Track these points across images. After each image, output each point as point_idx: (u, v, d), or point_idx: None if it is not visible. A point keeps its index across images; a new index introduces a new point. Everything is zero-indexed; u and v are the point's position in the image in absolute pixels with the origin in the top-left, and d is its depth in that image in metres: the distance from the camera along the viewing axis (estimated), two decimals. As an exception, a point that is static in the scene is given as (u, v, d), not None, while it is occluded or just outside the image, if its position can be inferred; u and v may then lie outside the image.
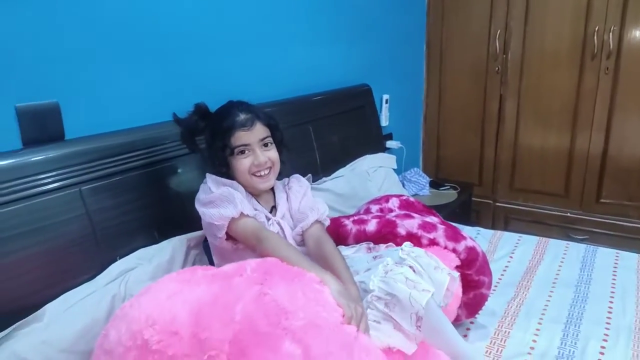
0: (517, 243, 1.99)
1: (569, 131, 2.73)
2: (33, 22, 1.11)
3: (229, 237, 1.19)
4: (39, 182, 1.10)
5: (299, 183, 1.38)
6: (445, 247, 1.30)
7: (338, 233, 1.41)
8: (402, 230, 1.34)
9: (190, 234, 1.33)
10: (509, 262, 1.84)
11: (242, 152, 1.22)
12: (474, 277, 1.30)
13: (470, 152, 3.05)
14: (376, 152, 2.32)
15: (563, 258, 1.86)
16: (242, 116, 1.21)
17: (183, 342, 0.87)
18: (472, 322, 1.44)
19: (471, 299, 1.32)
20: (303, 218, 1.26)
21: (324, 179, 1.95)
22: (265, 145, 1.25)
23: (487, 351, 1.31)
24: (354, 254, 1.29)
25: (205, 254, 1.38)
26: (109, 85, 1.29)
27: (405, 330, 0.99)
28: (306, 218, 1.26)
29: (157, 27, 1.39)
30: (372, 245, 1.33)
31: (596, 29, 2.52)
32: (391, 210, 1.52)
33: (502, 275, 1.75)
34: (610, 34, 2.49)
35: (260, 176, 1.24)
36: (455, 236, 1.32)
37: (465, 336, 1.38)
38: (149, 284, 1.03)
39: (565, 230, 2.80)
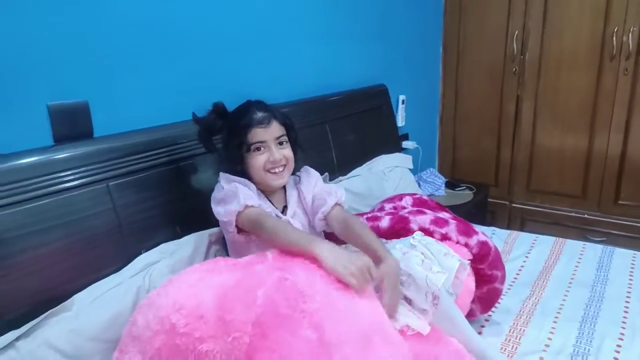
0: (533, 243, 1.99)
1: (587, 132, 2.71)
2: (63, 26, 1.17)
3: (240, 230, 1.23)
4: (69, 178, 1.15)
5: (308, 175, 1.40)
6: (458, 242, 1.32)
7: (353, 230, 1.44)
8: (414, 226, 1.36)
9: (211, 229, 1.37)
10: (524, 261, 1.85)
11: (258, 148, 1.25)
12: (486, 272, 1.32)
13: (486, 153, 3.05)
14: (392, 152, 2.34)
15: (580, 258, 1.86)
16: (259, 114, 1.25)
17: (209, 325, 0.91)
18: (487, 320, 1.45)
19: (485, 293, 1.34)
20: (322, 204, 1.29)
21: (341, 178, 1.98)
22: (280, 143, 1.28)
23: (501, 348, 1.33)
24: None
25: (225, 249, 1.42)
26: (134, 85, 1.34)
27: (418, 312, 1.01)
28: (325, 203, 1.29)
29: (177, 29, 1.44)
30: (385, 241, 1.36)
31: (615, 29, 2.51)
32: (404, 208, 1.55)
33: (517, 274, 1.75)
34: (630, 34, 2.47)
35: (275, 173, 1.27)
36: (467, 231, 1.33)
37: (480, 332, 1.39)
38: (171, 276, 1.07)
39: (582, 232, 2.78)
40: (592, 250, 1.91)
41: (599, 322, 1.44)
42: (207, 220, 1.33)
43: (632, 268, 1.76)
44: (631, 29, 2.47)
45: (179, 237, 1.34)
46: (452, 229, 1.35)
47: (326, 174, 1.56)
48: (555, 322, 1.45)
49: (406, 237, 1.21)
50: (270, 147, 1.26)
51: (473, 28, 2.93)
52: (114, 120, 1.27)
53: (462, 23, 2.95)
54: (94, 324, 1.08)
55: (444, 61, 3.07)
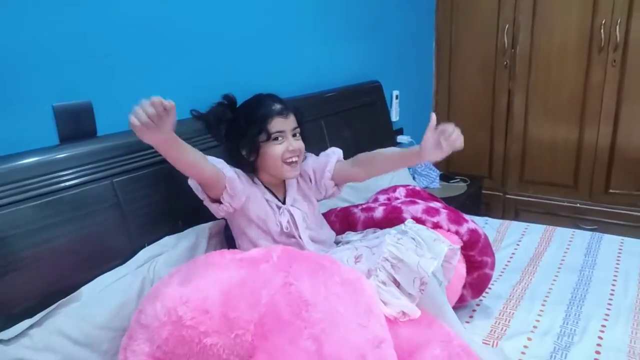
0: (524, 232, 2.05)
1: (577, 123, 2.77)
2: (67, 28, 1.22)
3: (215, 200, 1.28)
4: (75, 175, 1.20)
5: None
6: (449, 230, 1.38)
7: (348, 220, 1.50)
8: (407, 216, 1.42)
9: (211, 222, 1.42)
10: (515, 249, 1.91)
11: (276, 138, 1.30)
12: (477, 258, 1.38)
13: (480, 146, 3.11)
14: (387, 147, 2.39)
15: (569, 245, 1.92)
16: (277, 105, 1.31)
17: (214, 320, 0.95)
18: (478, 305, 1.51)
19: (475, 279, 1.40)
20: (324, 165, 1.38)
21: (337, 172, 2.03)
22: (294, 135, 1.34)
23: (491, 330, 1.39)
24: (360, 242, 1.36)
25: (224, 242, 1.47)
26: (135, 85, 1.39)
27: (406, 294, 1.07)
28: (328, 162, 1.38)
29: (175, 30, 1.49)
30: (379, 230, 1.42)
31: (603, 22, 2.56)
32: (398, 199, 1.60)
33: (509, 261, 1.81)
34: (617, 26, 2.53)
35: (290, 164, 1.32)
36: (458, 219, 1.39)
37: (471, 317, 1.46)
38: (178, 266, 1.13)
39: (574, 220, 2.84)
40: (581, 237, 1.97)
41: (585, 304, 1.50)
42: (207, 214, 1.39)
43: (620, 252, 1.82)
44: (618, 21, 2.52)
45: (181, 230, 1.39)
46: (443, 217, 1.41)
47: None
48: (543, 305, 1.51)
49: (398, 225, 1.26)
50: (288, 137, 1.31)
51: (464, 23, 2.99)
52: (117, 119, 1.32)
53: (453, 18, 3.01)
54: (102, 313, 1.13)
55: (437, 56, 3.13)
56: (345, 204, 1.68)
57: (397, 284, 1.09)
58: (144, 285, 1.21)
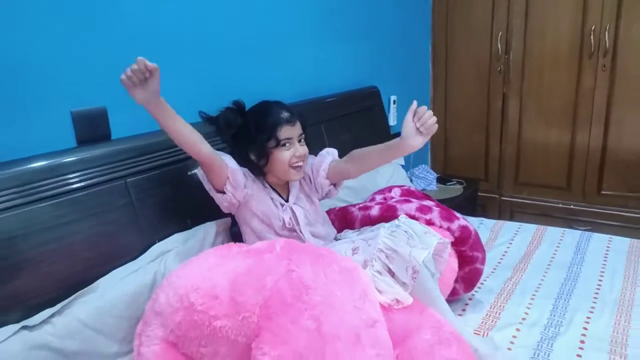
0: (516, 231, 2.13)
1: (569, 127, 2.85)
2: (84, 40, 1.31)
3: (219, 191, 1.37)
4: (91, 175, 1.28)
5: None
6: (441, 227, 1.46)
7: (346, 218, 1.59)
8: (401, 214, 1.50)
9: (218, 220, 1.51)
10: (508, 247, 1.99)
11: (284, 144, 1.39)
12: (468, 253, 1.46)
13: (476, 149, 3.19)
14: (385, 150, 2.47)
15: (559, 244, 1.99)
16: (285, 113, 1.39)
17: (223, 305, 1.04)
18: (470, 299, 1.59)
19: (467, 273, 1.48)
20: (320, 164, 1.46)
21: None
22: (300, 140, 1.43)
23: (482, 322, 1.47)
24: (357, 236, 1.44)
25: (231, 238, 1.55)
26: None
27: (401, 284, 1.16)
28: (323, 161, 1.46)
29: (183, 38, 1.58)
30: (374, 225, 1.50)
31: (592, 28, 2.65)
32: (393, 198, 1.69)
33: (501, 259, 1.89)
34: (606, 32, 2.62)
35: (296, 167, 1.41)
36: (450, 216, 1.48)
37: (463, 310, 1.54)
38: (189, 259, 1.21)
39: (568, 221, 2.91)
40: (571, 236, 2.05)
41: (572, 298, 1.58)
42: (214, 213, 1.47)
43: (607, 250, 1.90)
44: (607, 27, 2.61)
45: (190, 228, 1.47)
46: (435, 215, 1.50)
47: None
48: (532, 298, 1.59)
49: (392, 221, 1.35)
50: (295, 144, 1.40)
51: (460, 29, 3.07)
52: (130, 123, 1.41)
53: (449, 25, 3.10)
54: (116, 303, 1.21)
55: (433, 62, 3.22)
56: (344, 204, 1.77)
57: (392, 274, 1.17)
58: (156, 278, 1.30)
